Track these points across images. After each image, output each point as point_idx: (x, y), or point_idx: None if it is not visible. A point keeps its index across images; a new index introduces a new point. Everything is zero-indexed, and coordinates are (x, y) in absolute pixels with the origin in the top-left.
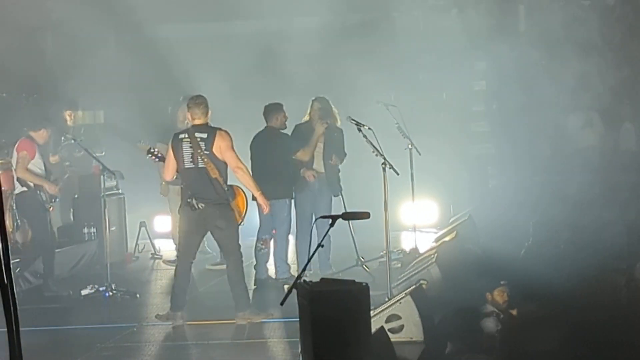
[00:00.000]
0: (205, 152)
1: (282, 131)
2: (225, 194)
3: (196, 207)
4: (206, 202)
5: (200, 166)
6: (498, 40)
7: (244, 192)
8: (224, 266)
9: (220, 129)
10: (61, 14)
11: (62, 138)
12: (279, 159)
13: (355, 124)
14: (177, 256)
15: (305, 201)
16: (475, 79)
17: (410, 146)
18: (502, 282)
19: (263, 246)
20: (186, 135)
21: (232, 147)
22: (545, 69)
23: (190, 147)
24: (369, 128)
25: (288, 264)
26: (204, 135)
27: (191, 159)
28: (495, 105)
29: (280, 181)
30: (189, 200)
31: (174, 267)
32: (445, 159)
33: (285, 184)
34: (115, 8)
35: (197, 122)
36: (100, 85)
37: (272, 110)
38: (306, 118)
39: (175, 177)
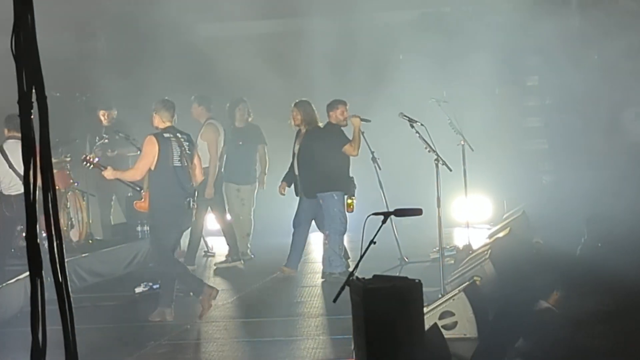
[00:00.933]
0: (188, 152)
1: (340, 127)
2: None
3: (191, 206)
4: (194, 201)
5: (185, 165)
6: (551, 35)
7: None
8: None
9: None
10: (114, 13)
11: (97, 137)
12: (329, 153)
13: (408, 121)
14: (160, 252)
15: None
16: (528, 74)
17: (462, 142)
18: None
19: (326, 241)
20: (171, 135)
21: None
22: (599, 63)
23: (178, 146)
24: (422, 124)
25: (343, 259)
26: (185, 137)
27: (179, 158)
28: (548, 100)
29: (331, 175)
30: (185, 199)
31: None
32: (498, 154)
33: (335, 179)
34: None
35: (169, 124)
36: (149, 84)
37: (330, 106)
38: (291, 123)
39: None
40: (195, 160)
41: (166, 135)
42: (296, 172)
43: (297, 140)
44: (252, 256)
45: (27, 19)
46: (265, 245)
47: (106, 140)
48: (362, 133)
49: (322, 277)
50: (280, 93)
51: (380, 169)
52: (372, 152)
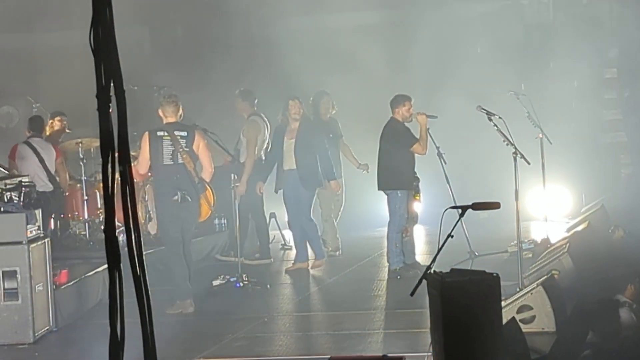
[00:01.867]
0: (186, 149)
1: (406, 124)
2: (197, 188)
3: (183, 200)
4: (189, 196)
5: (179, 162)
6: (630, 27)
7: (211, 189)
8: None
9: (197, 128)
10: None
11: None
12: (392, 150)
13: (486, 114)
14: (166, 247)
15: (285, 196)
16: (606, 66)
17: (540, 135)
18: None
19: (405, 235)
20: (165, 133)
21: (208, 147)
22: None
23: (171, 144)
24: (500, 117)
25: (401, 255)
26: (184, 133)
27: (171, 156)
28: (627, 93)
29: (391, 173)
30: (175, 195)
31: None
32: (576, 148)
33: (396, 176)
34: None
35: (171, 119)
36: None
37: (394, 102)
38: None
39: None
40: (202, 156)
41: (159, 133)
42: (284, 167)
43: (288, 134)
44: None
45: (106, 12)
46: (348, 239)
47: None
48: (428, 129)
49: (388, 274)
50: (345, 88)
51: (445, 163)
52: (438, 147)
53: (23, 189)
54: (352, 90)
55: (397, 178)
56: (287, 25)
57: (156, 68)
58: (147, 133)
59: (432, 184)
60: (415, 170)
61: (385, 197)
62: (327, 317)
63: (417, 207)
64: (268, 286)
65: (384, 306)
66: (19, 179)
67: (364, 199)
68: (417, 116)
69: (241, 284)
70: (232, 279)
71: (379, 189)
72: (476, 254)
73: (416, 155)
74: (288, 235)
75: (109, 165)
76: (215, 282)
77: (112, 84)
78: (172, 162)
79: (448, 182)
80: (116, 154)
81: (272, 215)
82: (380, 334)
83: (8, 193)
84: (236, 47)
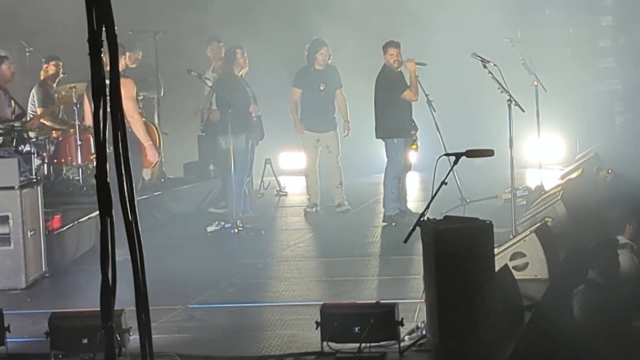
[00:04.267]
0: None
1: (396, 70)
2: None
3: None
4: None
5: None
6: None
7: (156, 128)
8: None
9: (123, 77)
10: None
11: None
12: (385, 98)
13: (481, 61)
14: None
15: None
16: (602, 14)
17: (536, 83)
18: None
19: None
20: None
21: (131, 97)
22: None
23: None
24: (495, 65)
25: (397, 202)
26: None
27: None
28: (622, 40)
29: (386, 121)
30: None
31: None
32: (571, 95)
33: (393, 124)
34: None
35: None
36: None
37: (386, 47)
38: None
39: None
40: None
41: None
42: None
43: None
44: (349, 207)
45: None
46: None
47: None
48: (417, 77)
49: (383, 220)
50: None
51: (435, 111)
52: (427, 95)
53: (15, 133)
54: (347, 38)
55: (395, 126)
56: None
57: (151, 12)
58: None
59: (427, 131)
60: (413, 118)
61: (383, 144)
62: (322, 264)
63: (413, 156)
64: (262, 232)
65: (379, 253)
66: (12, 123)
67: (361, 146)
68: (406, 63)
69: (235, 230)
70: (226, 225)
71: (377, 137)
72: (468, 200)
73: (412, 102)
74: (283, 181)
75: (101, 111)
76: (210, 228)
77: (104, 29)
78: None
79: (438, 130)
80: (108, 99)
81: (267, 161)
82: (374, 280)
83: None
84: None
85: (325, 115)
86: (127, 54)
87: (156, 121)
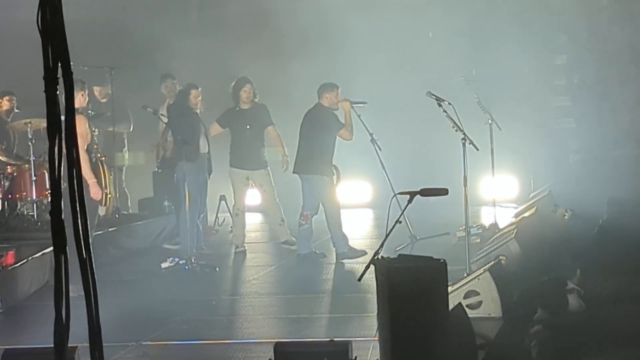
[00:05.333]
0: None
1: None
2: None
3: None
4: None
5: None
6: (579, 14)
7: (102, 166)
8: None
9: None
10: None
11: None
12: (319, 136)
13: (435, 99)
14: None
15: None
16: (556, 52)
17: (490, 121)
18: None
19: (304, 222)
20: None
21: (80, 134)
22: (627, 42)
23: None
24: (449, 103)
25: (346, 237)
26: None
27: None
28: (576, 79)
29: (323, 158)
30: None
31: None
32: (526, 133)
33: (321, 161)
34: None
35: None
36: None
37: (323, 88)
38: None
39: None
40: None
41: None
42: None
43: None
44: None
45: None
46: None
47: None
48: (359, 116)
49: (295, 258)
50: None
51: (380, 149)
52: (371, 134)
53: None
54: (281, 75)
55: (326, 163)
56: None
57: (107, 48)
58: None
59: (379, 169)
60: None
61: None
62: (276, 301)
63: (368, 193)
64: (217, 269)
65: (332, 290)
66: None
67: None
68: (342, 103)
69: (190, 267)
70: (180, 262)
71: (296, 171)
72: (417, 237)
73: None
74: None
75: (56, 148)
76: (164, 265)
77: (59, 65)
78: None
79: (384, 169)
80: (63, 136)
81: (222, 197)
82: (328, 318)
83: None
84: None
85: (253, 154)
86: (85, 91)
87: (126, 157)
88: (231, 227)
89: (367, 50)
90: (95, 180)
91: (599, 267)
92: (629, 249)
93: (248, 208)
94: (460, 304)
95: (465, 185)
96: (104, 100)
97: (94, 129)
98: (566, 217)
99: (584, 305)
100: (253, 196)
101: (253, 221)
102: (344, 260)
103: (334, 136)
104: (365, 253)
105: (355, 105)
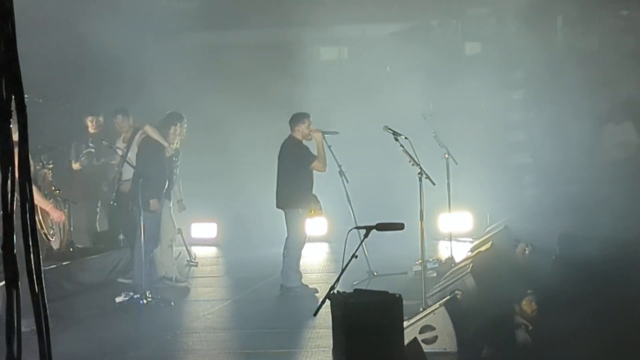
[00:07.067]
0: None
1: (304, 142)
2: None
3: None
4: None
5: None
6: (536, 50)
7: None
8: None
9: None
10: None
11: (83, 145)
12: (293, 169)
13: (392, 134)
14: None
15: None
16: (513, 87)
17: (446, 156)
18: (528, 292)
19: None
20: None
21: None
22: (583, 77)
23: None
24: (406, 137)
25: (299, 273)
26: None
27: None
28: (532, 114)
29: (293, 191)
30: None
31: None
32: (482, 168)
33: (297, 194)
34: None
35: None
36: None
37: (293, 120)
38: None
39: None
40: None
41: None
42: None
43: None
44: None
45: (8, 25)
46: (252, 257)
47: (92, 150)
48: (330, 147)
49: (280, 291)
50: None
51: (348, 182)
52: (340, 166)
53: None
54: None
55: (295, 197)
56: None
57: (63, 81)
58: None
59: (340, 202)
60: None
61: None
62: (231, 336)
63: (323, 226)
64: (172, 303)
65: (288, 324)
66: None
67: (267, 217)
68: (314, 134)
69: (145, 301)
70: (135, 296)
71: (277, 206)
72: (375, 274)
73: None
74: (194, 251)
75: (9, 182)
76: (118, 299)
77: (13, 98)
78: None
79: (349, 201)
80: (16, 170)
81: (179, 231)
82: (283, 353)
83: None
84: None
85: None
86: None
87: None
88: (187, 260)
89: (326, 81)
90: (52, 205)
91: (554, 302)
92: (582, 284)
93: (197, 241)
94: (415, 338)
95: (421, 219)
96: (95, 131)
97: (49, 162)
98: (527, 252)
99: (530, 341)
100: (211, 229)
101: (212, 254)
102: (299, 295)
103: (310, 168)
104: (317, 291)
105: (327, 135)
